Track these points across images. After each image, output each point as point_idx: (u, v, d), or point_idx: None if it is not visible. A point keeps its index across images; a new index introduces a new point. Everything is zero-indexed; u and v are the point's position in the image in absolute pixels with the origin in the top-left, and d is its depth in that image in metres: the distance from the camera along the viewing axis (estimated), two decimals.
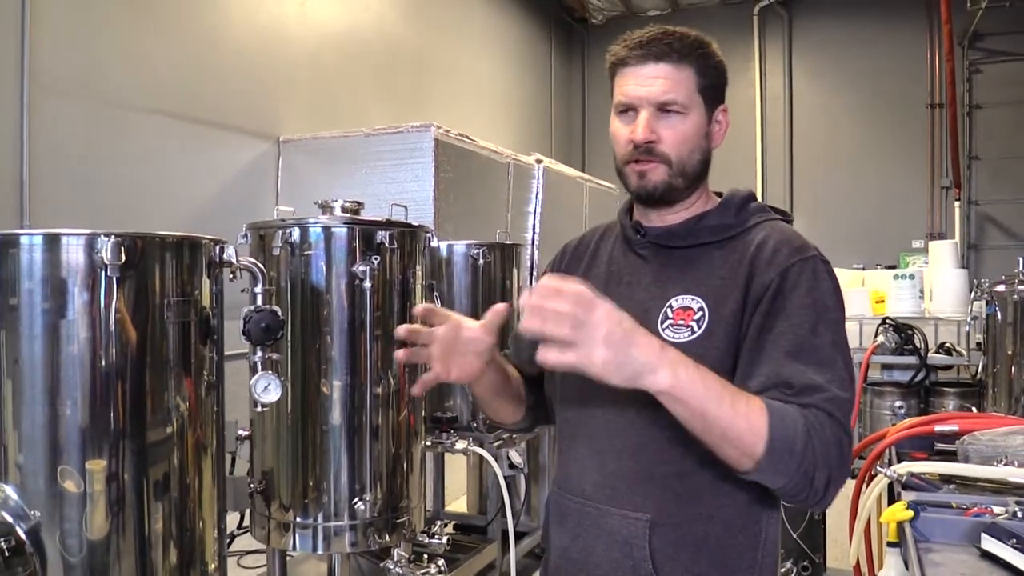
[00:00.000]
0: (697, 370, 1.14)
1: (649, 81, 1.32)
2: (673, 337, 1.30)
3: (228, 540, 2.03)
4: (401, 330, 1.39)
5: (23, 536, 1.38)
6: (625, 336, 1.08)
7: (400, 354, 1.43)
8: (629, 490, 1.33)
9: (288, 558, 2.46)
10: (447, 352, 1.36)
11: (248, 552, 2.59)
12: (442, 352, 1.35)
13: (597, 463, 1.37)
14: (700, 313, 1.31)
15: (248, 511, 2.36)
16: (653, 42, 1.33)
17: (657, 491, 1.31)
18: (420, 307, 1.40)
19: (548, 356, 1.07)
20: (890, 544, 1.74)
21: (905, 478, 1.89)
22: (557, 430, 1.51)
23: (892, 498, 1.91)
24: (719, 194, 1.45)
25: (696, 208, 1.41)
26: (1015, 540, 1.43)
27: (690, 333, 1.30)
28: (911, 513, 1.62)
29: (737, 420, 1.14)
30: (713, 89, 1.37)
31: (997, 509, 1.62)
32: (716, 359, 1.27)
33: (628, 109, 1.35)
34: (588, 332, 1.05)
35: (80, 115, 3.55)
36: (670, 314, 1.33)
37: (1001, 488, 1.81)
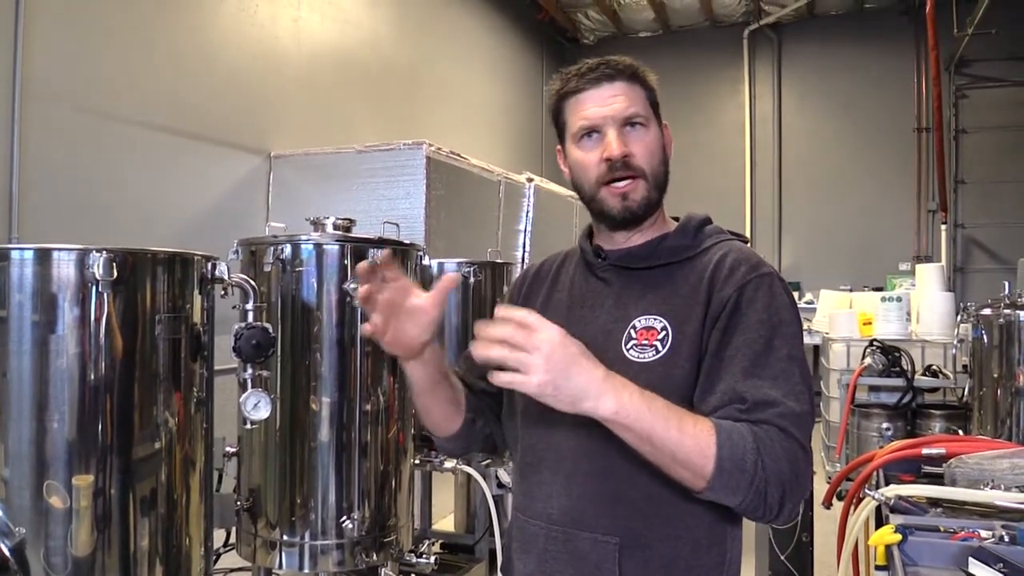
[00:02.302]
0: (642, 395, 1.16)
1: (610, 100, 1.34)
2: (638, 357, 1.31)
3: (214, 558, 2.01)
4: (363, 266, 1.28)
5: (7, 553, 1.36)
6: (567, 360, 1.12)
7: (362, 290, 1.29)
8: (598, 513, 1.31)
9: None
10: (390, 309, 1.30)
11: (234, 570, 2.56)
12: (386, 306, 1.29)
13: (564, 487, 1.35)
14: (664, 332, 1.31)
15: (234, 528, 2.34)
16: (601, 66, 1.36)
17: (626, 513, 1.30)
18: (383, 253, 1.25)
19: (495, 377, 1.13)
20: (878, 567, 1.73)
21: (893, 501, 1.90)
22: (518, 456, 1.45)
23: (880, 521, 1.92)
24: (676, 219, 1.47)
25: (656, 230, 1.42)
26: (1002, 564, 1.44)
27: (655, 353, 1.30)
28: (899, 536, 1.62)
29: (685, 441, 1.16)
30: (657, 105, 1.41)
31: (984, 533, 1.63)
32: (681, 377, 1.28)
33: (591, 132, 1.36)
34: (528, 355, 1.10)
35: (71, 128, 3.54)
36: (634, 335, 1.33)
37: (988, 512, 1.82)
